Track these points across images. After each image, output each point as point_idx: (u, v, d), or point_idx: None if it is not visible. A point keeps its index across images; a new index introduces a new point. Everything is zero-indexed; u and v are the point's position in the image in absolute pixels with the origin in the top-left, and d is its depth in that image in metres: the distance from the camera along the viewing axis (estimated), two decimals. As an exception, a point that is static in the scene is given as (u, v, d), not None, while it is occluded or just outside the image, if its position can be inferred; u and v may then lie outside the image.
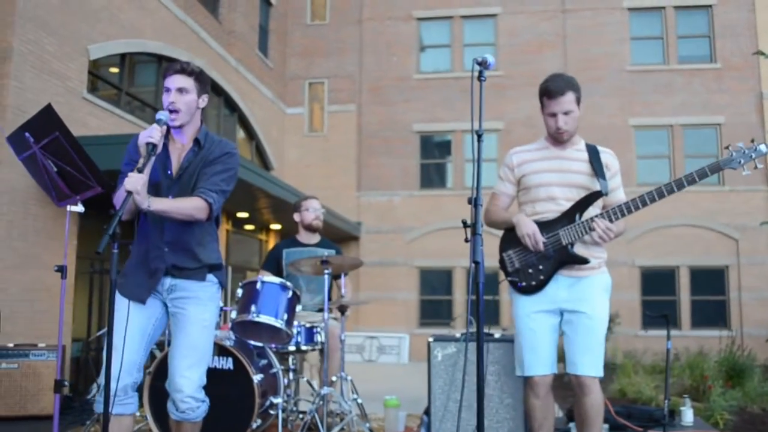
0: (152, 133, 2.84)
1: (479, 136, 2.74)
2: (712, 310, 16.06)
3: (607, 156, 3.46)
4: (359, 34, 18.10)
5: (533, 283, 3.37)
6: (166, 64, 3.00)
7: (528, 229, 3.30)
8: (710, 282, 16.24)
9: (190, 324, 3.08)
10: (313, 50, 18.19)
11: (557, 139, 3.43)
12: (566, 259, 3.31)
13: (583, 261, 3.31)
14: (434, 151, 18.19)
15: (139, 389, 3.16)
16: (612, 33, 17.16)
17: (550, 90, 3.34)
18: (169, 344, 3.42)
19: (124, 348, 2.84)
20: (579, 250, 3.33)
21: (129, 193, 2.72)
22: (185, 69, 3.09)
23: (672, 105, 16.79)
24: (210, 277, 3.18)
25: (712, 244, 16.22)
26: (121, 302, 2.99)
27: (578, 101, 3.39)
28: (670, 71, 16.98)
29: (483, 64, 2.80)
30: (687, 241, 16.20)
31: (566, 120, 3.34)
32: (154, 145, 2.83)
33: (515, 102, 16.79)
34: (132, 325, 3.00)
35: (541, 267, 3.34)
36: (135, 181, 2.73)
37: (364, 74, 17.98)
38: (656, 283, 16.41)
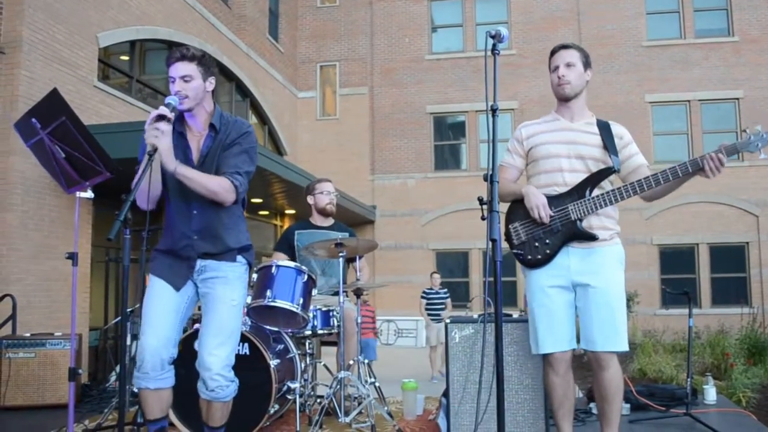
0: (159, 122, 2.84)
1: (494, 112, 2.66)
2: (733, 288, 15.87)
3: (618, 127, 3.39)
4: (370, 15, 17.93)
5: (538, 256, 3.28)
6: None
7: (537, 201, 3.23)
8: (730, 259, 16.03)
9: (219, 303, 3.11)
10: (323, 33, 18.06)
11: (560, 94, 3.35)
12: (573, 235, 3.23)
13: (591, 237, 3.22)
14: (448, 133, 18.04)
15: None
16: (627, 8, 16.84)
17: (554, 48, 3.39)
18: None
19: (156, 324, 3.00)
20: (592, 220, 3.25)
21: (152, 153, 2.73)
22: (185, 55, 3.04)
23: (689, 80, 16.49)
24: (239, 258, 3.21)
25: (732, 220, 15.98)
26: (153, 280, 3.09)
27: (585, 65, 3.36)
28: (687, 45, 16.67)
29: (496, 37, 2.74)
30: (706, 218, 15.98)
31: (567, 72, 3.30)
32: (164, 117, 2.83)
33: (529, 80, 16.59)
34: (167, 303, 3.08)
35: (547, 241, 3.26)
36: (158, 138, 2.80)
37: (376, 56, 17.83)
38: (675, 261, 16.22)
